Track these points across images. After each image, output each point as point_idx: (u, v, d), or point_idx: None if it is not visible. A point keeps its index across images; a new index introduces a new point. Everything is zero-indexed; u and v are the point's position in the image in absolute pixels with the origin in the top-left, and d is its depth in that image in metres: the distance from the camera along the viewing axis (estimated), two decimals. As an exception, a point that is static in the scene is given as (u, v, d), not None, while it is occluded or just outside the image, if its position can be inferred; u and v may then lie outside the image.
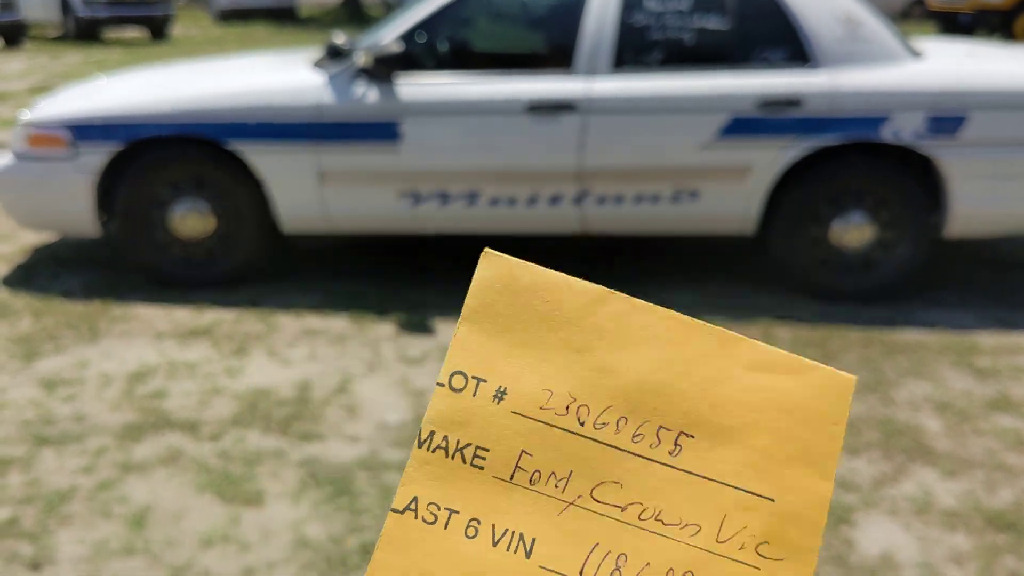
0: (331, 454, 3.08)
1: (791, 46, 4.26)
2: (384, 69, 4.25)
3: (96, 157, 4.37)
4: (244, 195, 4.43)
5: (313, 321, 4.22)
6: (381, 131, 4.28)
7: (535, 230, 4.46)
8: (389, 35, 4.40)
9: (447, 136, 4.28)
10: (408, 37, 4.38)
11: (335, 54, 4.41)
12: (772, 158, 4.21)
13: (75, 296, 4.48)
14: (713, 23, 4.34)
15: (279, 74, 4.72)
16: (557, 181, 4.26)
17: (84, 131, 4.37)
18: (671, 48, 4.32)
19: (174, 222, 4.47)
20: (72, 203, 4.42)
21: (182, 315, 4.27)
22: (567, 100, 4.20)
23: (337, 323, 4.20)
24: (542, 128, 4.22)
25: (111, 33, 17.63)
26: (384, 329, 4.14)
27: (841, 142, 4.19)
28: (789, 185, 4.30)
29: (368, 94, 4.28)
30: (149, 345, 3.95)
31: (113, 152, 4.36)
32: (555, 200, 4.30)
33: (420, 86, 4.29)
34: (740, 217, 4.35)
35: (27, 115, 4.53)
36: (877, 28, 4.32)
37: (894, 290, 4.42)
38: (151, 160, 4.40)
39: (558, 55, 4.40)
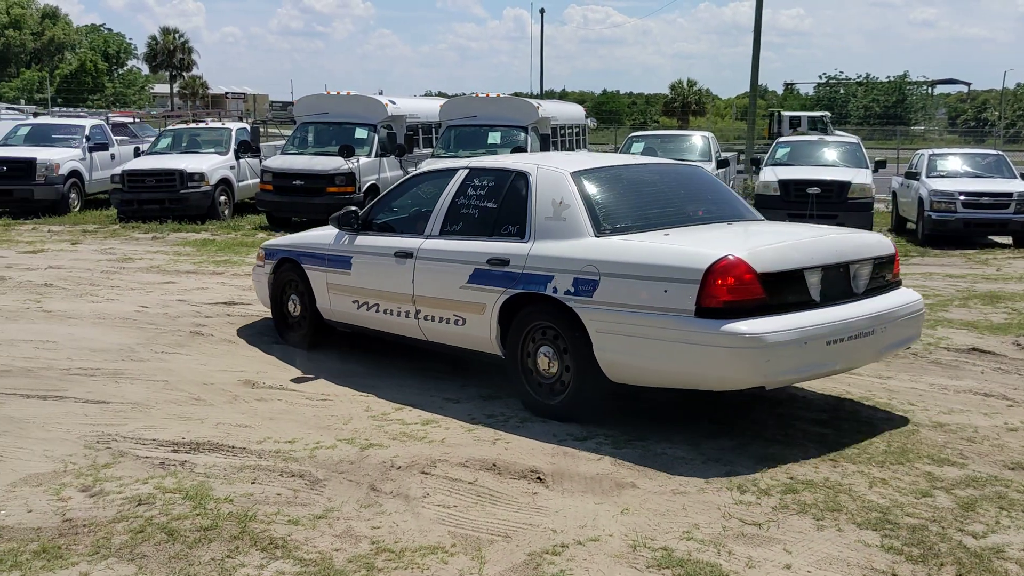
0: None
1: (521, 222, 5.86)
2: (353, 226, 6.91)
3: (270, 265, 7.66)
4: (308, 293, 7.31)
5: None
6: (345, 262, 6.88)
7: (406, 335, 6.60)
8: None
9: (366, 268, 6.72)
10: (369, 209, 7.10)
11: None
12: (494, 299, 5.78)
13: None
14: (493, 206, 6.13)
15: (329, 227, 7.30)
16: (404, 301, 6.40)
17: (268, 252, 7.76)
18: (469, 221, 6.22)
19: (289, 305, 7.59)
20: (264, 289, 7.81)
21: None
22: (408, 250, 6.38)
23: None
24: (399, 266, 6.38)
25: None
26: None
27: (523, 292, 5.61)
28: (513, 321, 5.73)
29: (344, 240, 6.96)
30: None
31: (274, 263, 7.62)
32: (406, 314, 6.42)
33: (363, 236, 6.87)
34: (489, 342, 5.93)
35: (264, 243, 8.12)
36: (577, 211, 5.63)
37: (580, 413, 5.47)
38: (280, 270, 7.59)
39: (424, 223, 6.48)
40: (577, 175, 5.89)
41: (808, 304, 5.10)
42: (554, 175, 5.91)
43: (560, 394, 5.54)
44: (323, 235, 7.30)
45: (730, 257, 4.90)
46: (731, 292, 4.84)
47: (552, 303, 5.48)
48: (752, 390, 5.15)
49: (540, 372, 5.64)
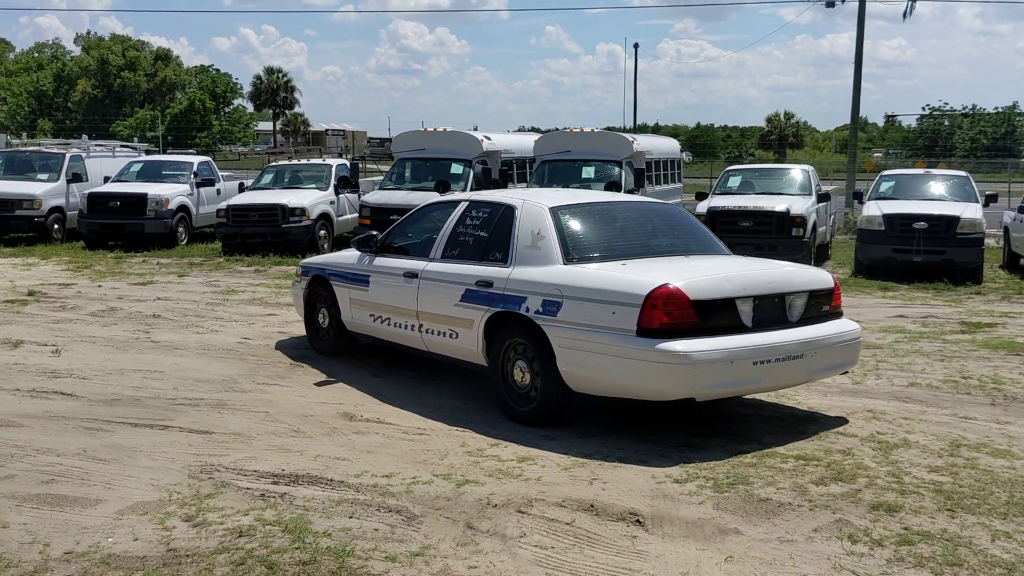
0: None
1: (506, 249, 6.59)
2: (372, 249, 7.84)
3: (304, 281, 8.59)
4: (334, 306, 8.23)
5: None
6: (364, 280, 7.75)
7: (412, 346, 7.41)
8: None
9: (380, 286, 7.59)
10: (387, 234, 7.90)
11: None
12: (480, 316, 6.49)
13: None
14: (485, 234, 6.89)
15: (354, 249, 8.14)
16: (410, 316, 7.20)
17: (304, 269, 8.66)
18: (465, 247, 7.00)
19: (319, 317, 8.48)
20: (300, 302, 8.78)
21: None
22: (414, 271, 7.19)
23: None
24: (407, 285, 7.21)
25: None
26: None
27: (503, 311, 6.30)
28: (496, 336, 6.40)
29: (365, 261, 7.84)
30: None
31: (308, 279, 8.53)
32: (411, 327, 7.21)
33: (380, 258, 7.74)
34: (477, 353, 6.62)
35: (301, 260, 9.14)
36: (551, 241, 6.36)
37: (547, 419, 6.12)
38: (313, 285, 8.51)
39: (429, 248, 7.31)
40: (555, 210, 6.61)
41: (739, 328, 5.71)
42: (536, 209, 6.64)
43: (532, 402, 6.19)
44: (348, 256, 8.21)
45: (669, 286, 5.57)
46: (667, 315, 5.52)
47: (525, 321, 6.15)
48: (684, 401, 5.66)
49: (516, 382, 6.29)
